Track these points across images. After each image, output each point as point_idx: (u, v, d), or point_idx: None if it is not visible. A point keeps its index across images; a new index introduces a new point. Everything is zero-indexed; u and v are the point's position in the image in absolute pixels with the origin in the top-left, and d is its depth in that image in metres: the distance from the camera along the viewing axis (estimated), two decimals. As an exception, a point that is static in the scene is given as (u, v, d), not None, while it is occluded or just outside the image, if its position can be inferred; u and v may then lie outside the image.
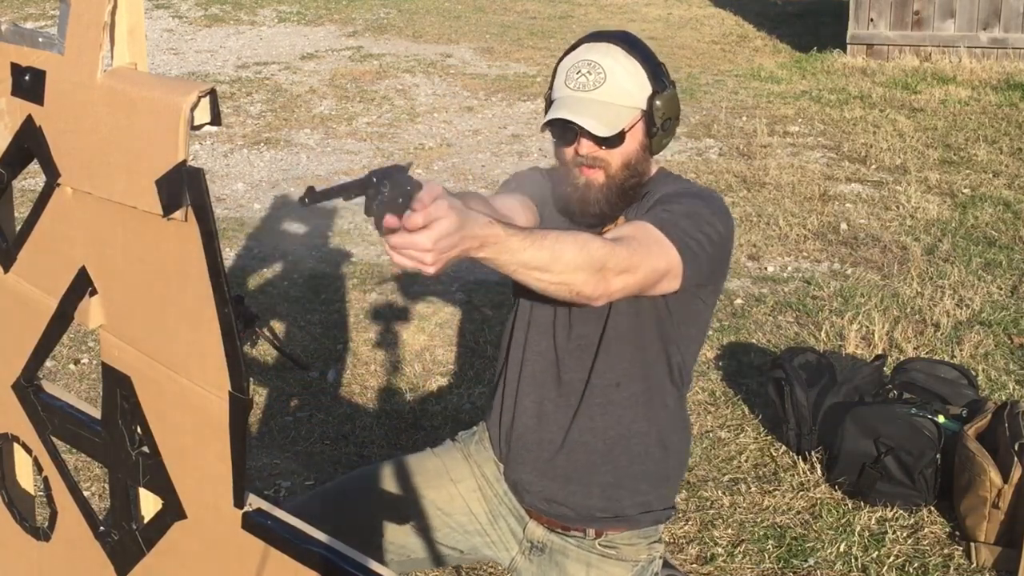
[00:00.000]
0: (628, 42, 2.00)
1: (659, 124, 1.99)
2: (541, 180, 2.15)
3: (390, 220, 1.52)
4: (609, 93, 1.95)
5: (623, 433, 2.08)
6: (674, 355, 2.07)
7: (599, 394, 2.08)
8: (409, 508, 2.18)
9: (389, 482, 2.20)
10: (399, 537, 2.16)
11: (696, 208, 1.96)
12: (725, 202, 2.07)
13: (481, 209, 1.82)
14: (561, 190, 2.03)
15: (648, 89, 1.97)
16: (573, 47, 2.02)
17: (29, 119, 1.57)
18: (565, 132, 1.97)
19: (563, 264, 1.72)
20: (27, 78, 1.54)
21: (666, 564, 2.88)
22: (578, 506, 2.10)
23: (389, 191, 1.50)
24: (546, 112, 2.01)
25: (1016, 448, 2.99)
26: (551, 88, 2.02)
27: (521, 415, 2.15)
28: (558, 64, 2.02)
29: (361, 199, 1.51)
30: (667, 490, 2.14)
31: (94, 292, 1.56)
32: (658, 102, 1.97)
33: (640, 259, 1.83)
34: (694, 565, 2.96)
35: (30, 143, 1.58)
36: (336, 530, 2.13)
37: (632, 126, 1.97)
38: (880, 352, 4.01)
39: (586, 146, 1.97)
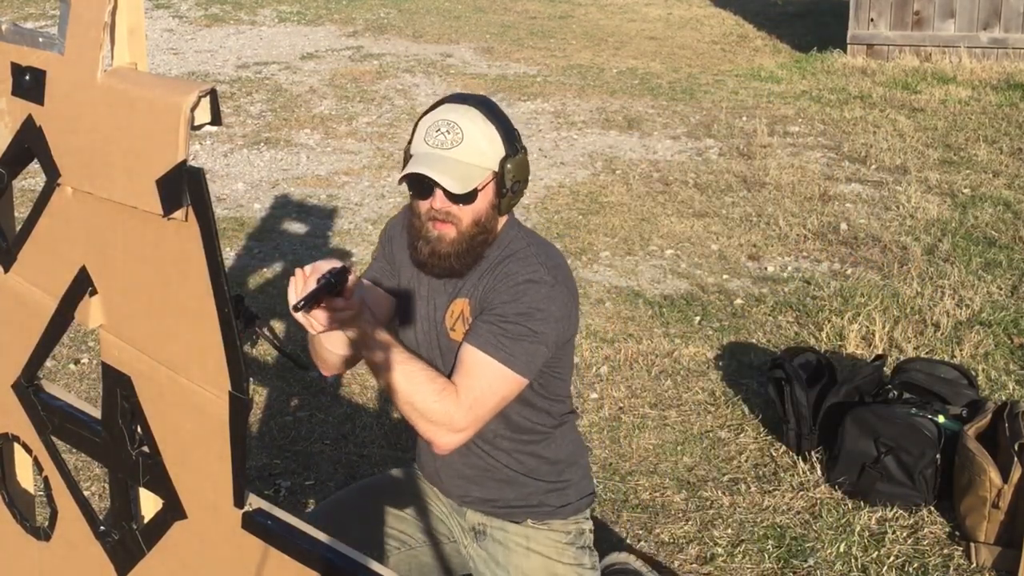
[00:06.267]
0: (487, 106, 2.11)
1: (509, 186, 2.10)
2: (400, 230, 2.28)
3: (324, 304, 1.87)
4: (465, 153, 2.05)
5: (493, 464, 2.25)
6: (531, 396, 2.20)
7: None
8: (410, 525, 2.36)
9: (389, 496, 2.38)
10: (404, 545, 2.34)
11: (523, 315, 2.09)
12: (563, 273, 2.17)
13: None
14: (413, 241, 2.15)
15: (502, 152, 2.08)
16: (434, 106, 2.13)
17: (29, 119, 1.57)
18: (422, 187, 2.07)
19: (398, 396, 1.99)
20: (27, 78, 1.54)
21: (658, 566, 2.89)
22: (502, 512, 2.30)
23: (326, 285, 1.83)
24: (404, 166, 2.10)
25: (1016, 448, 2.99)
26: (410, 143, 2.12)
27: None
28: (419, 120, 2.12)
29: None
30: (573, 489, 2.31)
31: (94, 292, 1.56)
32: (509, 165, 2.08)
33: (483, 410, 2.04)
34: (694, 565, 2.96)
35: (30, 143, 1.58)
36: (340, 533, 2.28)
37: (484, 186, 2.08)
38: (880, 352, 4.01)
39: (440, 201, 2.07)
